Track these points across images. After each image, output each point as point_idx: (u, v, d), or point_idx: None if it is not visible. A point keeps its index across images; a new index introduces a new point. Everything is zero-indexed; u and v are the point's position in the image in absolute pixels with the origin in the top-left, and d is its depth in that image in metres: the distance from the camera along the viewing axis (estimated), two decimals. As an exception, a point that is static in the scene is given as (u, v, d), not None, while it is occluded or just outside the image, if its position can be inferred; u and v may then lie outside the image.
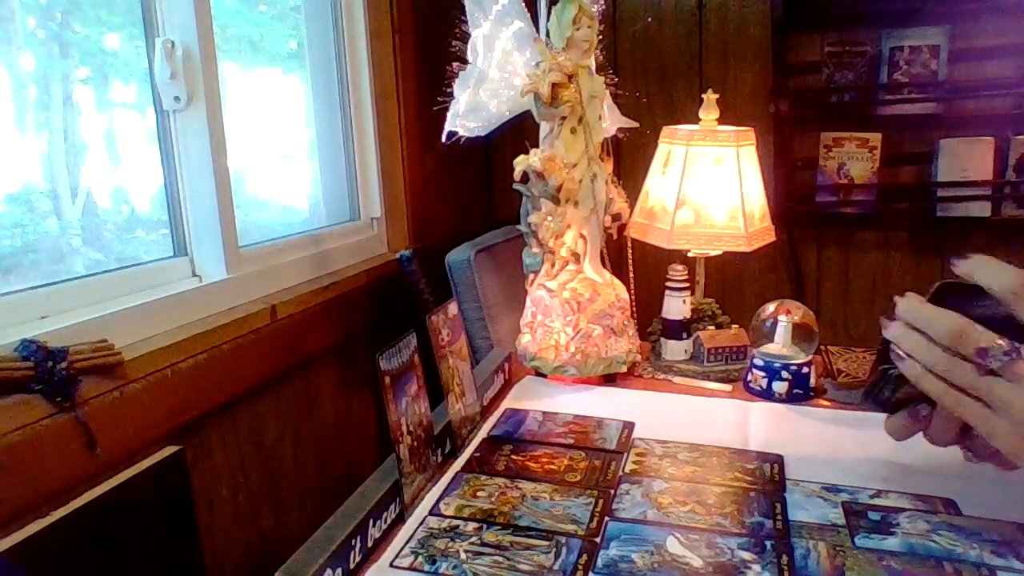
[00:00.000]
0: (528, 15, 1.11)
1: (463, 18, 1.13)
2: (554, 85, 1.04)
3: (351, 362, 1.42)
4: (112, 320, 0.94)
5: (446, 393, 0.90)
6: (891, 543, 0.70)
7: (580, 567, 0.67)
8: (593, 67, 1.12)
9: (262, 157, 1.44)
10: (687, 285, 1.21)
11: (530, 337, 1.16)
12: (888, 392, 0.70)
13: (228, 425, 1.10)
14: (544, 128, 1.12)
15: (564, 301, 1.12)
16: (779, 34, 1.88)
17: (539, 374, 1.17)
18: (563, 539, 0.71)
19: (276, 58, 1.55)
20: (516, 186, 1.10)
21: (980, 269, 0.62)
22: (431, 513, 0.77)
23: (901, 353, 0.65)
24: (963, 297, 0.64)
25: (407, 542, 0.72)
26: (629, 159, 1.81)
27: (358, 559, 0.68)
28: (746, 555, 0.68)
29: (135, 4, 1.08)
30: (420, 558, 0.69)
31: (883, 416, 0.73)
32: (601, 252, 1.18)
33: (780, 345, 1.09)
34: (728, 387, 1.13)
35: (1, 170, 0.96)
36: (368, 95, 1.60)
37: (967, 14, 1.78)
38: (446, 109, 1.14)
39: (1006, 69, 1.78)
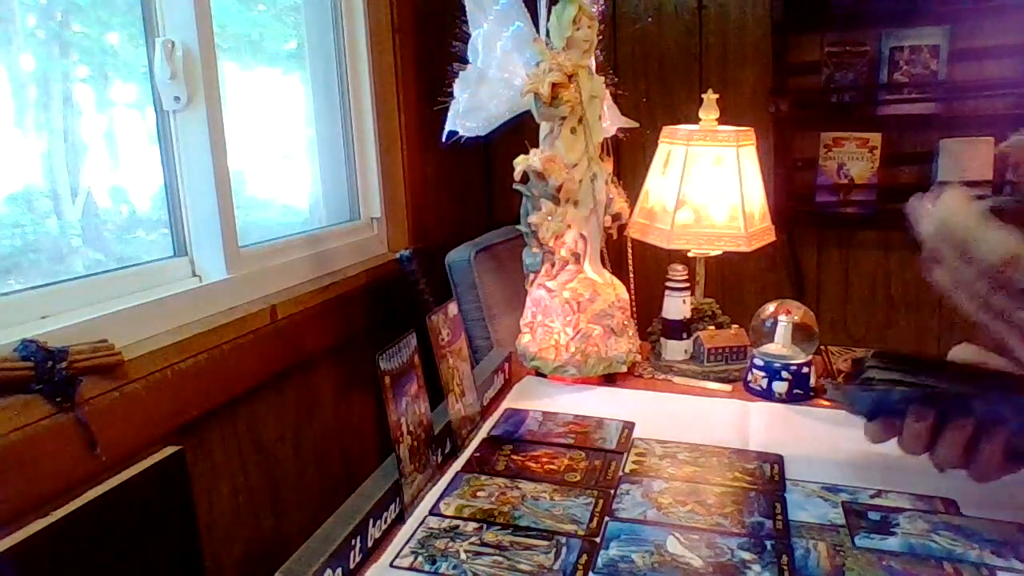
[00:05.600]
0: (528, 15, 1.11)
1: (463, 18, 1.13)
2: (554, 85, 1.04)
3: (351, 362, 1.42)
4: (112, 320, 0.94)
5: (446, 393, 0.90)
6: (891, 543, 0.70)
7: (580, 567, 0.67)
8: (593, 67, 1.12)
9: (262, 157, 1.44)
10: (687, 285, 1.21)
11: (530, 337, 1.16)
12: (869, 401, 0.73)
13: (228, 425, 1.10)
14: (544, 128, 1.12)
15: (564, 301, 1.12)
16: (779, 34, 1.88)
17: (539, 374, 1.17)
18: (563, 539, 0.71)
19: (276, 58, 1.55)
20: (516, 186, 1.10)
21: (980, 231, 0.57)
22: (431, 513, 0.77)
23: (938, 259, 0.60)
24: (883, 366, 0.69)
25: (407, 542, 0.72)
26: (629, 159, 1.81)
27: (358, 559, 0.68)
28: (746, 555, 0.68)
29: (135, 4, 1.08)
30: (420, 558, 0.69)
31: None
32: (601, 252, 1.18)
33: (780, 345, 1.09)
34: (728, 387, 1.13)
35: (1, 170, 0.96)
36: (368, 95, 1.60)
37: (967, 14, 1.77)
38: (446, 109, 1.14)
39: (1006, 69, 1.78)
